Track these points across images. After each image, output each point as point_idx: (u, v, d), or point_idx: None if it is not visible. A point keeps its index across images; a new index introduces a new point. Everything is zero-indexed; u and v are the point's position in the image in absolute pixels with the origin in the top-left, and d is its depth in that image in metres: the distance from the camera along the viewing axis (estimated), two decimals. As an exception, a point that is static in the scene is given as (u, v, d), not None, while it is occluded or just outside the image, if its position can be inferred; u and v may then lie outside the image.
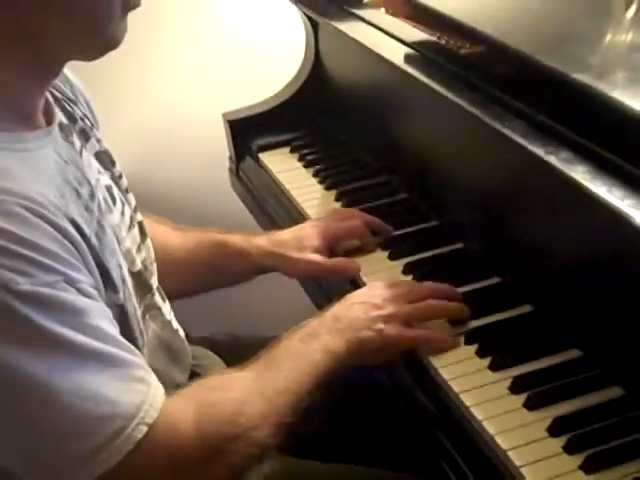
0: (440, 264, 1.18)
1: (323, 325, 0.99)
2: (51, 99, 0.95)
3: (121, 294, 0.89)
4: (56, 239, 0.78)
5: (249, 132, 1.58)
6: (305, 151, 1.52)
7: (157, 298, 1.05)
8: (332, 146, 1.52)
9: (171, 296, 1.15)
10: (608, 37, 1.12)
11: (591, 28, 1.14)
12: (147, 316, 1.01)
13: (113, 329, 0.83)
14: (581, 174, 0.88)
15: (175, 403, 0.86)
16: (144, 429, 0.80)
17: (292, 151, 1.54)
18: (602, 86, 0.94)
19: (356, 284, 1.17)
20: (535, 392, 0.92)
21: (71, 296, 0.78)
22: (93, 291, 0.82)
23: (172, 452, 0.83)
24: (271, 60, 1.76)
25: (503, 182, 1.10)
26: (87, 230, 0.85)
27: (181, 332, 1.11)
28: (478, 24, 1.17)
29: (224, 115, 1.59)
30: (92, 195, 0.91)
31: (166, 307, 1.09)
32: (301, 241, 1.22)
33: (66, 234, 0.80)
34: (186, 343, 1.12)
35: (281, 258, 1.21)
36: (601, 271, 0.94)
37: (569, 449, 0.85)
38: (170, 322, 1.08)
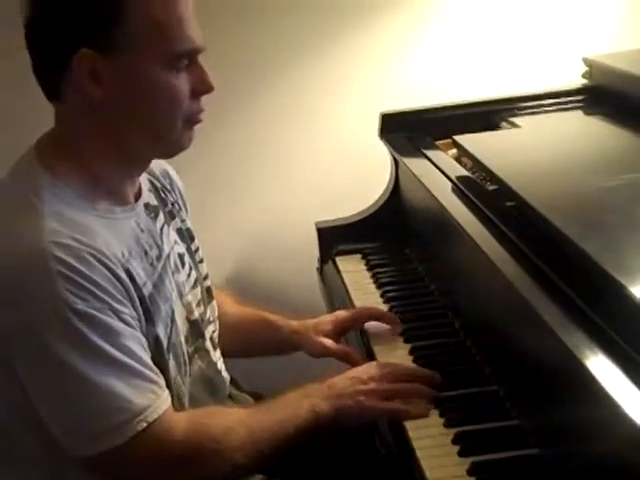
0: (442, 351, 1.43)
1: (318, 390, 1.26)
2: (148, 186, 1.33)
3: (160, 328, 1.19)
4: (109, 279, 1.10)
5: (334, 239, 1.90)
6: (372, 257, 1.82)
7: (208, 344, 1.37)
8: (395, 256, 1.81)
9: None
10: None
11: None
12: (196, 355, 1.33)
13: (142, 351, 1.13)
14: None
15: (176, 415, 1.16)
16: (144, 425, 1.10)
17: (362, 257, 1.84)
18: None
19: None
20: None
21: (113, 320, 1.10)
22: (132, 321, 1.13)
23: (160, 447, 1.13)
24: (360, 183, 2.10)
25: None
26: (143, 278, 1.18)
27: (225, 374, 1.42)
28: (497, 168, 1.45)
29: (316, 223, 1.93)
30: (159, 257, 1.25)
31: (216, 353, 1.40)
32: (318, 326, 1.54)
33: (118, 277, 1.12)
34: (227, 384, 1.43)
35: (302, 338, 1.54)
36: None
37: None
38: (215, 364, 1.39)
